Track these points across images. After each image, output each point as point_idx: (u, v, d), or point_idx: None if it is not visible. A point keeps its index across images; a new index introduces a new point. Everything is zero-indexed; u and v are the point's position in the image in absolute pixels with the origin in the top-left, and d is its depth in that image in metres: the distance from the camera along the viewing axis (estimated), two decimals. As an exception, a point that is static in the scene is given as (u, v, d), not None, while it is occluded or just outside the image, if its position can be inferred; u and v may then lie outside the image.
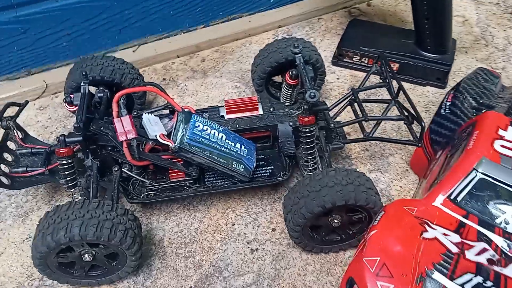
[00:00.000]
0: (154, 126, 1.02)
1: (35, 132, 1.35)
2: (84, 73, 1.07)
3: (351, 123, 1.12)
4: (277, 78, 1.36)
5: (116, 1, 1.42)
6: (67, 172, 1.00)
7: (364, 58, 1.49)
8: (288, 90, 1.17)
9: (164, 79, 1.51)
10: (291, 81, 1.13)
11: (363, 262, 0.82)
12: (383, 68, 1.18)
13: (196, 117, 1.05)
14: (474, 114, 1.12)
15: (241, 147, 1.08)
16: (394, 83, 1.14)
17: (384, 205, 0.94)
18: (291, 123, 1.11)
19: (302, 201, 0.94)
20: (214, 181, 1.11)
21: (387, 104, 1.15)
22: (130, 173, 1.07)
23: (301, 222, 0.95)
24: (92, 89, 1.19)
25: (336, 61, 1.53)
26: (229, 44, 1.63)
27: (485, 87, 1.21)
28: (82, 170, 1.08)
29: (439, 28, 1.37)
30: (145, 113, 1.06)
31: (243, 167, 1.06)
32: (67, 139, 0.98)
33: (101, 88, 1.17)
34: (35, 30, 1.38)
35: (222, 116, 1.15)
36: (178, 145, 1.00)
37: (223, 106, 1.17)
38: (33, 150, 1.13)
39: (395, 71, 1.37)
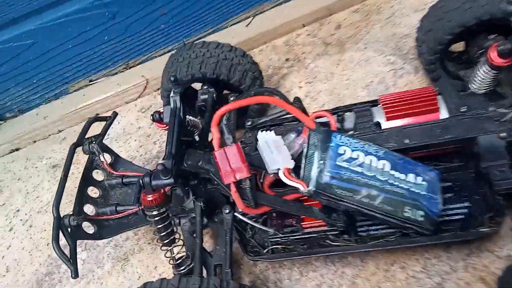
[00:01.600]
0: (275, 153, 0.66)
1: (137, 142, 1.10)
2: (172, 77, 0.74)
3: None
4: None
5: (220, -39, 1.05)
6: (160, 226, 0.70)
7: None
8: (491, 74, 0.69)
9: (287, 59, 1.13)
10: (502, 60, 0.65)
11: None
12: None
13: (340, 138, 0.65)
14: None
15: (416, 179, 0.66)
16: None
17: None
18: (502, 134, 0.65)
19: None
20: (372, 231, 0.72)
21: None
22: (244, 218, 0.73)
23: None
24: (197, 85, 0.88)
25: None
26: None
27: None
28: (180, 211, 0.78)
29: None
30: (262, 131, 0.69)
31: (422, 214, 0.65)
32: (153, 182, 0.67)
33: (205, 87, 0.84)
34: (125, 13, 1.11)
35: (378, 124, 0.73)
36: (313, 189, 0.62)
37: (377, 105, 0.75)
38: (124, 180, 0.86)
39: None
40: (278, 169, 0.65)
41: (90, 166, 0.86)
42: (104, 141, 0.87)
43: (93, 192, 0.85)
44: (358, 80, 1.03)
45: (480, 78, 0.72)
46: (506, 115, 0.67)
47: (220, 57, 0.88)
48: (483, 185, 0.70)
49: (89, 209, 0.83)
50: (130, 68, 1.22)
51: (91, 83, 1.22)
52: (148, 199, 0.68)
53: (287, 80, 1.09)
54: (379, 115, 0.74)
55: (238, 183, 0.64)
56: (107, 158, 0.87)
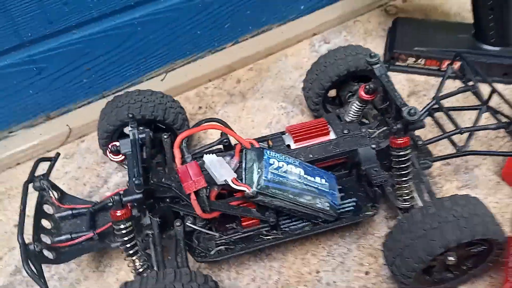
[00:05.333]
0: (221, 169, 0.86)
1: (66, 185, 1.18)
2: (131, 114, 0.90)
3: (444, 137, 0.96)
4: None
5: (139, 26, 1.25)
6: (126, 238, 0.83)
7: (420, 60, 1.34)
8: (361, 107, 1.01)
9: (200, 107, 1.35)
10: (367, 96, 0.97)
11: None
12: (465, 69, 1.02)
13: (269, 153, 0.89)
14: None
15: (321, 180, 0.92)
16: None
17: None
18: (373, 146, 0.95)
19: (419, 242, 0.78)
20: (292, 225, 0.95)
21: (477, 111, 0.99)
22: (195, 227, 0.90)
23: (417, 268, 0.79)
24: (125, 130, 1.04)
25: (388, 66, 1.37)
26: (263, 60, 1.47)
27: None
28: (137, 229, 0.91)
29: (506, 18, 1.22)
30: (206, 155, 0.89)
31: (328, 204, 0.90)
32: (124, 198, 0.81)
33: (141, 128, 1.00)
34: (52, 69, 1.21)
35: (288, 145, 0.99)
36: (256, 190, 0.83)
37: (285, 134, 1.01)
38: (74, 212, 0.96)
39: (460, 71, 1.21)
40: (225, 180, 0.85)
41: (41, 201, 0.93)
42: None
43: (46, 223, 0.93)
44: (261, 122, 1.29)
45: (353, 111, 1.03)
46: (373, 133, 0.98)
47: (156, 102, 1.06)
48: (363, 185, 0.99)
49: (46, 240, 0.90)
50: (51, 119, 1.30)
51: (11, 134, 1.26)
52: (118, 214, 0.81)
53: (202, 124, 1.30)
54: (288, 140, 1.00)
55: (196, 193, 0.82)
56: (54, 194, 0.96)
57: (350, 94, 1.12)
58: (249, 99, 1.36)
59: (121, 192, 0.83)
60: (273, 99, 1.35)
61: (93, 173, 1.21)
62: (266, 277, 0.97)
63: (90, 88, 1.31)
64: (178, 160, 0.82)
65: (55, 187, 0.97)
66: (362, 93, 0.97)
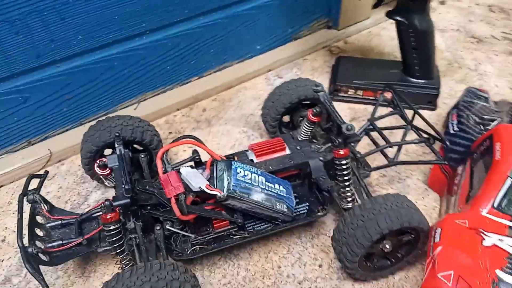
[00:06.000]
0: (196, 179, 1.02)
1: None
2: (117, 134, 1.06)
3: (377, 150, 1.18)
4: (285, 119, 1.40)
5: (116, 61, 1.42)
6: (115, 238, 0.96)
7: (358, 91, 1.58)
8: (310, 127, 1.21)
9: (170, 132, 1.51)
10: (314, 118, 1.18)
11: (439, 278, 0.85)
12: (394, 97, 1.26)
13: (237, 163, 1.06)
14: (482, 129, 1.22)
15: (279, 187, 1.10)
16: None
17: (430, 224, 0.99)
18: (321, 158, 1.15)
19: (359, 231, 0.97)
20: (256, 226, 1.11)
21: (403, 130, 1.22)
22: (173, 229, 1.04)
23: (359, 252, 0.97)
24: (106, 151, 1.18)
25: (332, 96, 1.61)
26: (225, 92, 1.67)
27: (480, 104, 1.33)
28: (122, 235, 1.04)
29: (427, 56, 1.49)
30: (183, 167, 1.05)
31: (285, 206, 1.08)
32: (114, 203, 0.95)
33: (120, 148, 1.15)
34: (36, 98, 1.34)
35: (252, 160, 1.17)
36: (226, 194, 1.00)
37: (248, 151, 1.19)
38: (63, 222, 1.08)
39: (391, 99, 1.46)
40: (200, 187, 1.01)
41: (34, 212, 1.05)
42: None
43: (39, 233, 1.04)
44: (225, 144, 1.47)
45: (304, 131, 1.23)
46: (321, 149, 1.18)
47: (134, 125, 1.22)
48: (314, 191, 1.18)
49: (40, 245, 1.01)
50: (32, 144, 1.42)
51: (-7, 158, 1.36)
52: (108, 217, 0.95)
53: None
54: (251, 156, 1.18)
55: (176, 198, 0.98)
56: (45, 207, 1.08)
57: (301, 118, 1.32)
58: (214, 125, 1.54)
59: (110, 199, 0.97)
60: (235, 125, 1.53)
61: (74, 192, 1.32)
62: (235, 273, 1.12)
63: (69, 116, 1.45)
64: (160, 169, 0.98)
65: (45, 201, 1.09)
66: (310, 115, 1.18)
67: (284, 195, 1.09)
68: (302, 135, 1.24)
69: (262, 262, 1.14)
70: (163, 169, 0.99)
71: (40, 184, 1.10)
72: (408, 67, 1.55)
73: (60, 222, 1.07)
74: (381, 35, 1.94)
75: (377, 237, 0.95)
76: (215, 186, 1.02)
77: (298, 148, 1.18)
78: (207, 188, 0.99)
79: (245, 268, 1.13)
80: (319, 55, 1.84)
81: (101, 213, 1.03)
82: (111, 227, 0.95)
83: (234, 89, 1.68)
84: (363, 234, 0.96)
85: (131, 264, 1.00)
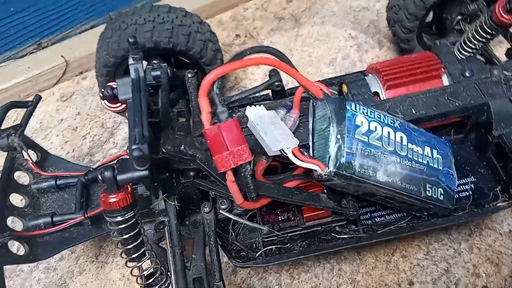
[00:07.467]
0: (275, 131, 0.53)
1: (60, 137, 0.89)
2: (132, 39, 0.56)
3: None
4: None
5: None
6: (126, 236, 0.53)
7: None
8: (489, 35, 0.64)
9: (237, 35, 1.01)
10: (506, 16, 0.59)
11: None
12: None
13: (354, 107, 0.54)
14: None
15: (432, 153, 0.58)
16: None
17: None
18: (513, 97, 0.60)
19: None
20: (377, 217, 0.62)
21: None
22: (231, 216, 0.59)
23: None
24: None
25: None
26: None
27: None
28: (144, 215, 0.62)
29: None
30: (250, 106, 0.56)
31: (442, 192, 0.57)
32: (120, 177, 0.49)
33: (155, 62, 0.68)
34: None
35: (376, 94, 0.64)
36: (334, 170, 0.50)
37: (368, 75, 0.67)
38: (58, 182, 0.66)
39: None
40: (282, 150, 0.52)
41: (11, 167, 0.65)
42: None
43: (18, 200, 0.64)
44: (321, 56, 0.95)
45: (474, 40, 0.66)
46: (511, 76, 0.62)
47: (175, 23, 0.72)
48: (490, 157, 0.65)
49: (14, 223, 0.62)
50: (43, 48, 1.00)
51: (-10, 66, 0.97)
52: (111, 200, 0.50)
53: (241, 58, 0.96)
54: (375, 85, 0.65)
55: (235, 171, 0.50)
56: (31, 155, 0.66)
57: (460, 17, 0.74)
58: (304, 25, 1.00)
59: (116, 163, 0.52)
60: (337, 25, 0.99)
61: (97, 121, 0.91)
62: (334, 286, 0.67)
63: (91, 7, 0.99)
64: (205, 116, 0.49)
65: (32, 145, 0.67)
66: (500, 11, 0.60)
67: (440, 167, 0.57)
68: (469, 48, 0.66)
69: (381, 270, 0.68)
70: (212, 114, 0.50)
71: (27, 118, 0.68)
72: None
73: (54, 181, 0.66)
74: None
75: None
76: (313, 152, 0.52)
77: (468, 74, 0.62)
78: (295, 156, 0.50)
79: (351, 279, 0.68)
80: None
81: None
82: (119, 218, 0.51)
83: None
84: None
85: (154, 273, 0.57)
